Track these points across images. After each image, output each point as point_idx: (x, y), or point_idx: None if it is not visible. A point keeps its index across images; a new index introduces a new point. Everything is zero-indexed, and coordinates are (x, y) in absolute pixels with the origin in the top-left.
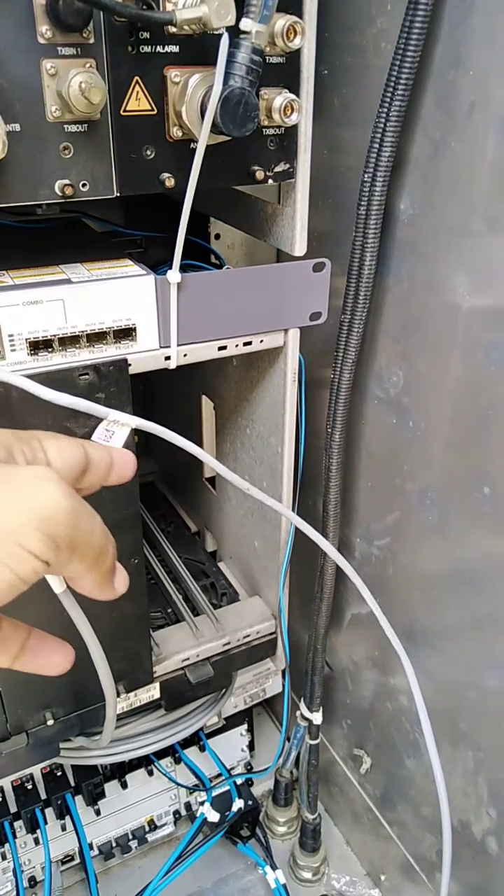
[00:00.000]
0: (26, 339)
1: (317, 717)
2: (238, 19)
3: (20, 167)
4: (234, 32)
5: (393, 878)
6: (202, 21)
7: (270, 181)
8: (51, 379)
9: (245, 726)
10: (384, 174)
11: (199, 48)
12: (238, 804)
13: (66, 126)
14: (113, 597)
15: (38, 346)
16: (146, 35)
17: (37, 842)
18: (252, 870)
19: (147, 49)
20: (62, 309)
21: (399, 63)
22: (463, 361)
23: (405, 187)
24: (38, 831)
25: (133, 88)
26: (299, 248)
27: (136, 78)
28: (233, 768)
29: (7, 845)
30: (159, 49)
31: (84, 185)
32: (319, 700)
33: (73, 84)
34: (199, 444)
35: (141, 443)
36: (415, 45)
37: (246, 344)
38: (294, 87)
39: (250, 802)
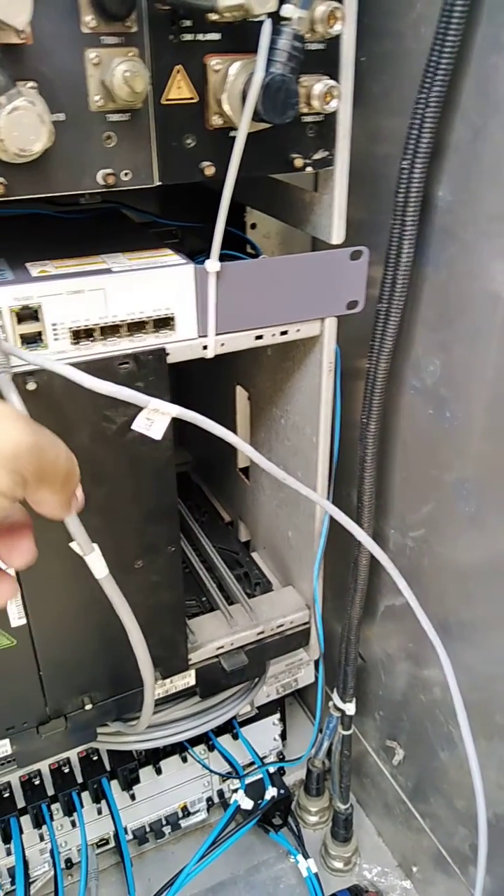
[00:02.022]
0: (69, 329)
1: (350, 708)
2: (279, 5)
3: (64, 156)
4: (275, 19)
5: (425, 871)
6: (244, 8)
7: (309, 169)
8: (92, 368)
9: (277, 715)
10: (423, 161)
11: (239, 36)
12: (271, 792)
13: (108, 115)
14: (68, 517)
15: (79, 335)
16: (188, 23)
17: (73, 824)
18: (284, 858)
19: (188, 37)
20: (103, 298)
21: (439, 48)
22: (502, 351)
23: (444, 174)
24: (75, 814)
25: (174, 77)
26: (337, 236)
27: (178, 66)
28: (265, 757)
29: (45, 827)
30: (200, 37)
31: (126, 174)
32: (352, 691)
33: (117, 73)
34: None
35: (175, 434)
36: (455, 30)
37: (283, 333)
38: (334, 74)
39: (282, 791)
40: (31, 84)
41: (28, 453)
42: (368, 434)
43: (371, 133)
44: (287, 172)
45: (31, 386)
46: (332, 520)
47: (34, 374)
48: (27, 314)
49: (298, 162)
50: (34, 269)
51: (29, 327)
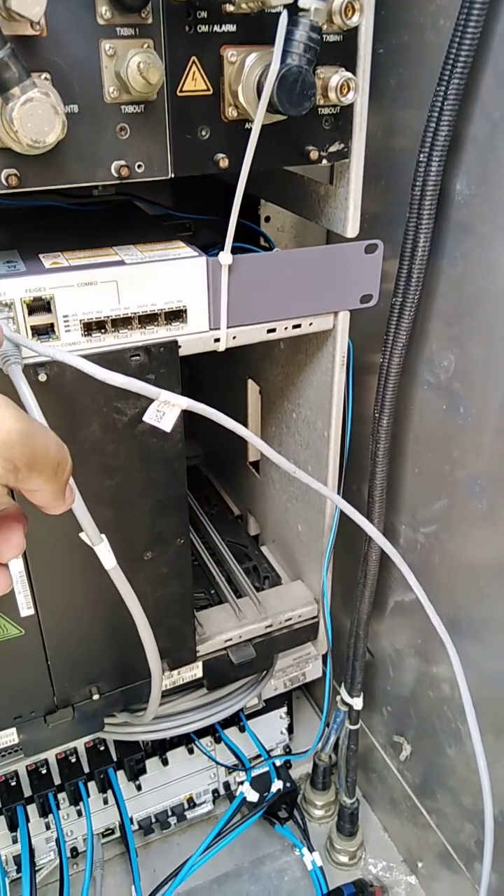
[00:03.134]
0: (81, 320)
1: (357, 703)
2: None
3: (78, 148)
4: (293, 10)
5: (430, 866)
6: None
7: (325, 161)
8: (103, 360)
9: (284, 709)
10: (440, 154)
11: (255, 27)
12: (277, 785)
13: (123, 107)
14: (65, 509)
15: (91, 326)
16: (203, 14)
17: (79, 814)
18: (289, 851)
19: (204, 29)
20: (115, 290)
21: (459, 40)
22: None
23: (461, 167)
24: (81, 803)
25: (190, 68)
26: (352, 229)
27: (193, 58)
28: (271, 750)
29: (51, 816)
30: (216, 29)
31: (140, 166)
32: (360, 686)
33: (132, 64)
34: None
35: (186, 427)
36: (475, 21)
37: (295, 326)
38: (351, 66)
39: (288, 784)
40: (44, 75)
41: (19, 440)
42: (381, 429)
43: (387, 126)
44: (302, 165)
45: (42, 377)
46: (341, 515)
47: (45, 366)
48: (39, 305)
49: (314, 154)
50: (47, 261)
51: (41, 319)
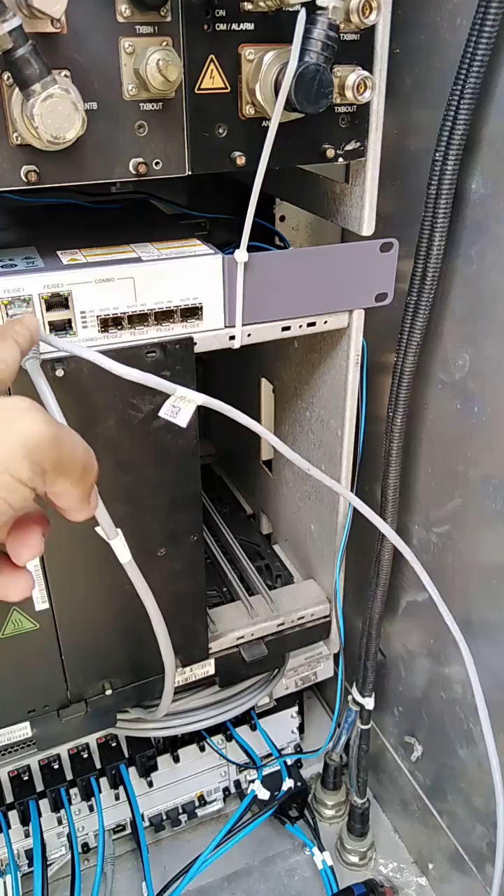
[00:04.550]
0: (98, 317)
1: (369, 703)
2: None
3: (97, 145)
4: (310, 8)
5: (441, 868)
6: None
7: (341, 160)
8: (119, 356)
9: (296, 708)
10: (456, 153)
11: (273, 25)
12: (288, 784)
13: (141, 104)
14: (89, 515)
15: (107, 323)
16: (222, 13)
17: (91, 809)
18: (299, 850)
19: (222, 27)
20: (132, 287)
21: (475, 39)
22: None
23: (477, 167)
24: (93, 799)
25: (208, 66)
26: (367, 227)
27: (211, 56)
28: (282, 749)
29: (63, 811)
30: (234, 27)
31: (157, 163)
32: (372, 686)
33: (151, 62)
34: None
35: (199, 426)
36: (492, 20)
37: (310, 325)
38: (368, 65)
39: (299, 784)
40: (64, 72)
41: (48, 444)
42: (394, 428)
43: (403, 125)
44: (318, 163)
45: (60, 373)
46: (354, 514)
47: (62, 361)
48: (57, 301)
49: (330, 153)
50: (65, 258)
51: (58, 315)
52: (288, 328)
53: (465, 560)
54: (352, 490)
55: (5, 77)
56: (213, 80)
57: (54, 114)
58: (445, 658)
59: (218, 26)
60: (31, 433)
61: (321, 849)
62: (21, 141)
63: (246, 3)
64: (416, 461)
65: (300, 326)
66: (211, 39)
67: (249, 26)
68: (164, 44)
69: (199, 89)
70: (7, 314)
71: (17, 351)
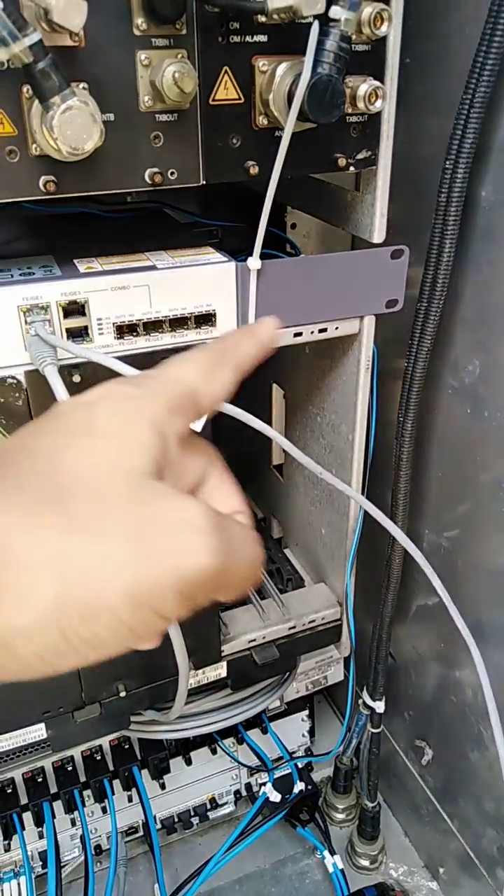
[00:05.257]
0: (113, 324)
1: (379, 706)
2: (327, 7)
3: (113, 155)
4: (323, 20)
5: (452, 872)
6: (293, 10)
7: (352, 168)
8: (134, 362)
9: (306, 712)
10: (466, 161)
11: (286, 37)
12: (299, 786)
13: (157, 115)
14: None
15: (123, 329)
16: (236, 25)
17: (104, 811)
18: (310, 854)
19: (236, 39)
20: (148, 294)
21: (486, 48)
22: None
23: (487, 174)
24: (106, 801)
25: (222, 78)
26: (378, 235)
27: (225, 67)
28: (293, 752)
29: (76, 812)
30: (248, 39)
31: (172, 173)
32: (382, 689)
33: (167, 74)
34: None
35: (209, 431)
36: (503, 29)
37: (321, 331)
38: (379, 75)
39: (310, 787)
40: (82, 85)
41: (212, 579)
42: (405, 433)
43: (412, 133)
44: (330, 172)
45: (76, 378)
46: (365, 518)
47: (79, 367)
48: (74, 309)
49: (342, 161)
50: (81, 266)
51: (75, 321)
52: (300, 334)
53: (475, 564)
54: (363, 494)
55: (25, 90)
56: (227, 91)
57: (73, 125)
58: (456, 662)
59: (232, 38)
60: (195, 566)
61: (332, 852)
62: (40, 152)
63: (259, 16)
64: (426, 466)
65: (312, 332)
66: (225, 51)
67: (263, 38)
68: (180, 56)
69: (213, 100)
70: (26, 321)
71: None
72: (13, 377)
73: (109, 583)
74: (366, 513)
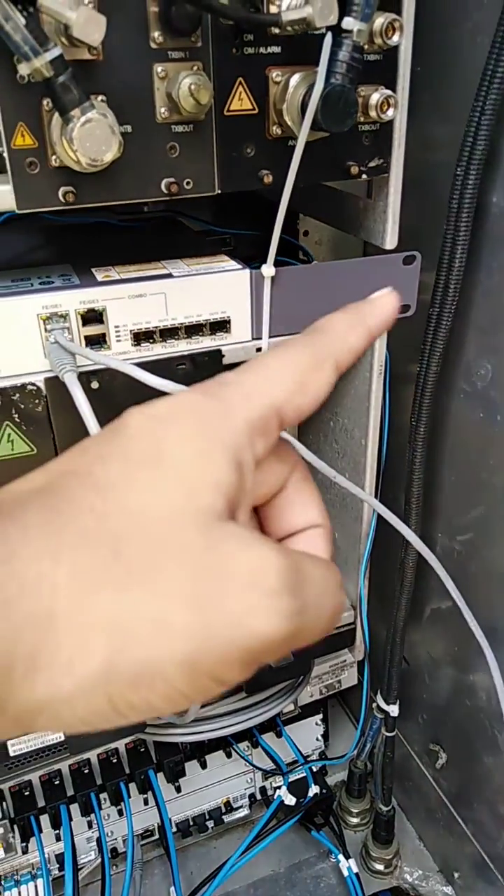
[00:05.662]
0: (130, 331)
1: (393, 710)
2: (340, 18)
3: (130, 166)
4: (336, 31)
5: (467, 877)
6: (306, 21)
7: (364, 176)
8: (151, 368)
9: (320, 716)
10: (477, 168)
11: (299, 48)
12: (314, 790)
13: (173, 126)
14: None
15: (140, 336)
16: (250, 37)
17: (120, 813)
18: (325, 857)
19: (250, 50)
20: (164, 302)
21: (496, 55)
22: None
23: (498, 180)
24: (122, 804)
25: (236, 89)
26: (390, 241)
27: (240, 79)
28: (308, 756)
29: (93, 815)
30: (262, 50)
31: (188, 182)
32: (396, 693)
33: (183, 86)
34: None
35: None
36: None
37: None
38: (391, 84)
39: (325, 790)
40: (101, 97)
41: (279, 647)
42: (417, 437)
43: (423, 140)
44: (343, 179)
45: (95, 385)
46: (378, 522)
47: (97, 374)
48: (92, 317)
49: (354, 169)
50: (99, 274)
51: (93, 329)
52: None
53: (488, 568)
54: (375, 498)
55: (45, 103)
56: (241, 101)
57: (93, 137)
58: (470, 665)
59: (246, 50)
60: (264, 635)
61: (347, 856)
62: (59, 163)
63: (273, 28)
64: (439, 470)
65: None
66: (239, 63)
67: (276, 49)
68: (195, 68)
69: (227, 111)
70: (46, 329)
71: (329, 387)
72: (33, 384)
73: (165, 650)
74: (379, 517)
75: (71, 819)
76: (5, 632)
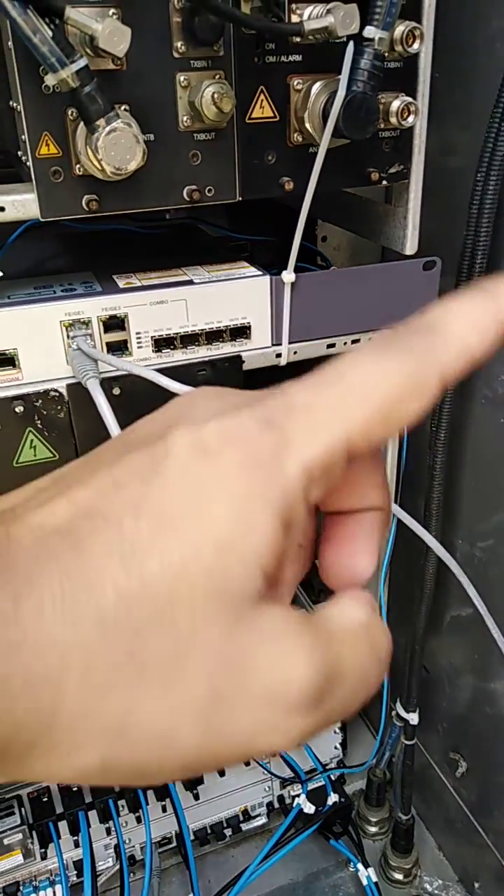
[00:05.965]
0: (152, 337)
1: (413, 718)
2: (361, 27)
3: (153, 174)
4: (357, 40)
5: (487, 887)
6: (328, 30)
7: (385, 182)
8: (172, 374)
9: (339, 724)
10: (498, 173)
11: (320, 56)
12: (333, 798)
13: (195, 134)
14: None
15: (160, 343)
16: (272, 46)
17: (138, 820)
18: (343, 866)
19: (272, 59)
20: (185, 308)
21: None
22: None
23: None
24: (140, 811)
25: (258, 97)
26: (410, 247)
27: (262, 87)
28: (326, 765)
29: (111, 821)
30: (283, 59)
31: (210, 190)
32: (416, 701)
33: (206, 94)
34: None
35: None
36: None
37: (354, 342)
38: (411, 91)
39: (343, 799)
40: (125, 107)
41: (313, 698)
42: (438, 443)
43: (442, 146)
44: (363, 186)
45: (116, 391)
46: (397, 528)
47: (118, 380)
48: (114, 323)
49: (374, 176)
50: (120, 281)
51: (115, 336)
52: (333, 345)
53: None
54: (395, 504)
55: (70, 112)
56: (262, 109)
57: (117, 146)
58: (491, 673)
59: (268, 59)
60: (274, 749)
61: (366, 865)
62: (83, 172)
63: (295, 36)
64: (459, 476)
65: (345, 344)
66: (261, 71)
67: (298, 58)
68: (218, 77)
69: (249, 119)
70: (68, 335)
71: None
72: (55, 390)
73: (167, 761)
74: (398, 523)
75: (89, 825)
76: (5, 725)
